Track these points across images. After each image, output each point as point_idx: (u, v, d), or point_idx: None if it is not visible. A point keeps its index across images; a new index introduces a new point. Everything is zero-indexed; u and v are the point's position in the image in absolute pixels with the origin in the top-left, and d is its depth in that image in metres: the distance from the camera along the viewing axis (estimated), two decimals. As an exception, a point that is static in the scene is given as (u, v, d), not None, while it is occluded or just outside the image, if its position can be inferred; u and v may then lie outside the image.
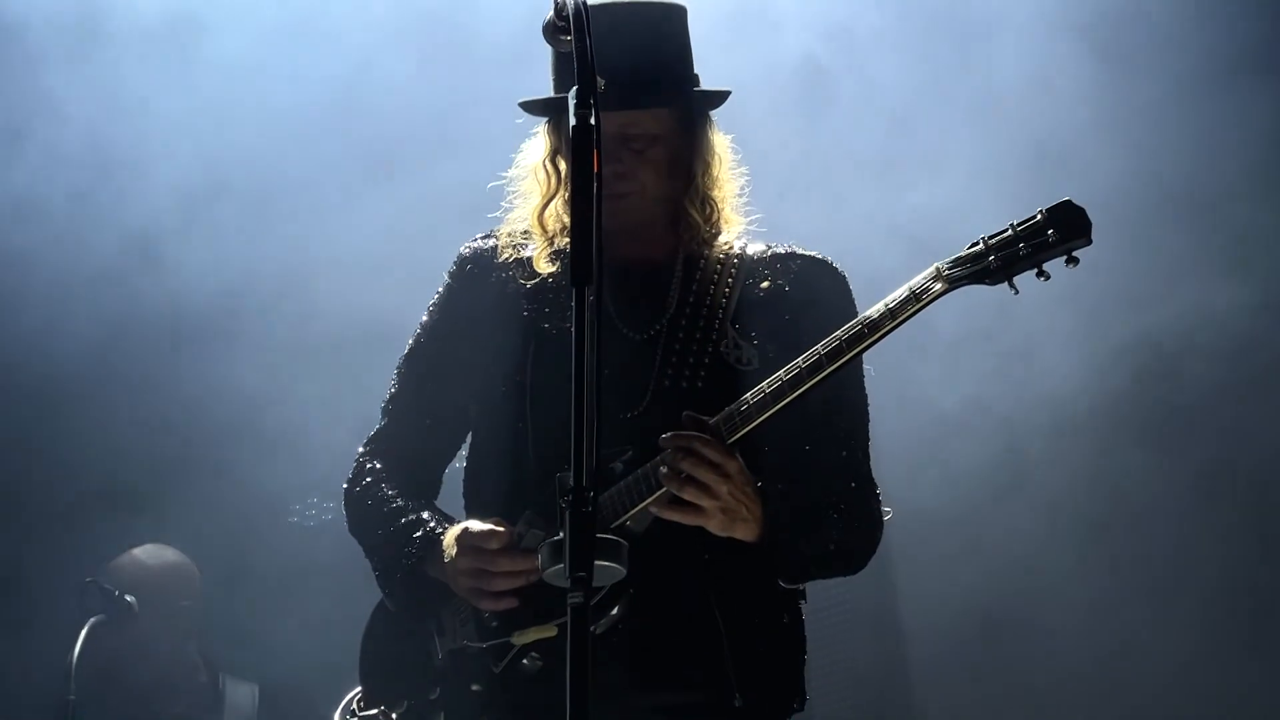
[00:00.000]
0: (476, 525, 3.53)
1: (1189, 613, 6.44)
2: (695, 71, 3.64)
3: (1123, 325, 6.56)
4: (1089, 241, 3.34)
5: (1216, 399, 6.46)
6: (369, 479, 3.76)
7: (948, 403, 6.62)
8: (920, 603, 6.74)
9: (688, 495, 3.37)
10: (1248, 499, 6.48)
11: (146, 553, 6.53)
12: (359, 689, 3.79)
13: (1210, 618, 6.41)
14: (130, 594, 6.32)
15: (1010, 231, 3.37)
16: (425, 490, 3.79)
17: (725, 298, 3.64)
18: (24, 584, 6.72)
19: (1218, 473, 6.50)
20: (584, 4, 2.70)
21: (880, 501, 3.63)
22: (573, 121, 2.59)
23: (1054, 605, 6.62)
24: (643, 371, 3.57)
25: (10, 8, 6.67)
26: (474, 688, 3.56)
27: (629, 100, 3.46)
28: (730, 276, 3.66)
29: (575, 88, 2.59)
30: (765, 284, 3.66)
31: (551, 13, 2.85)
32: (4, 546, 6.80)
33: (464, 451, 3.80)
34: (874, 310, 3.38)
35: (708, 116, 3.67)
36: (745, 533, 3.43)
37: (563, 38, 2.75)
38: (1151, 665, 6.44)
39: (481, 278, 3.75)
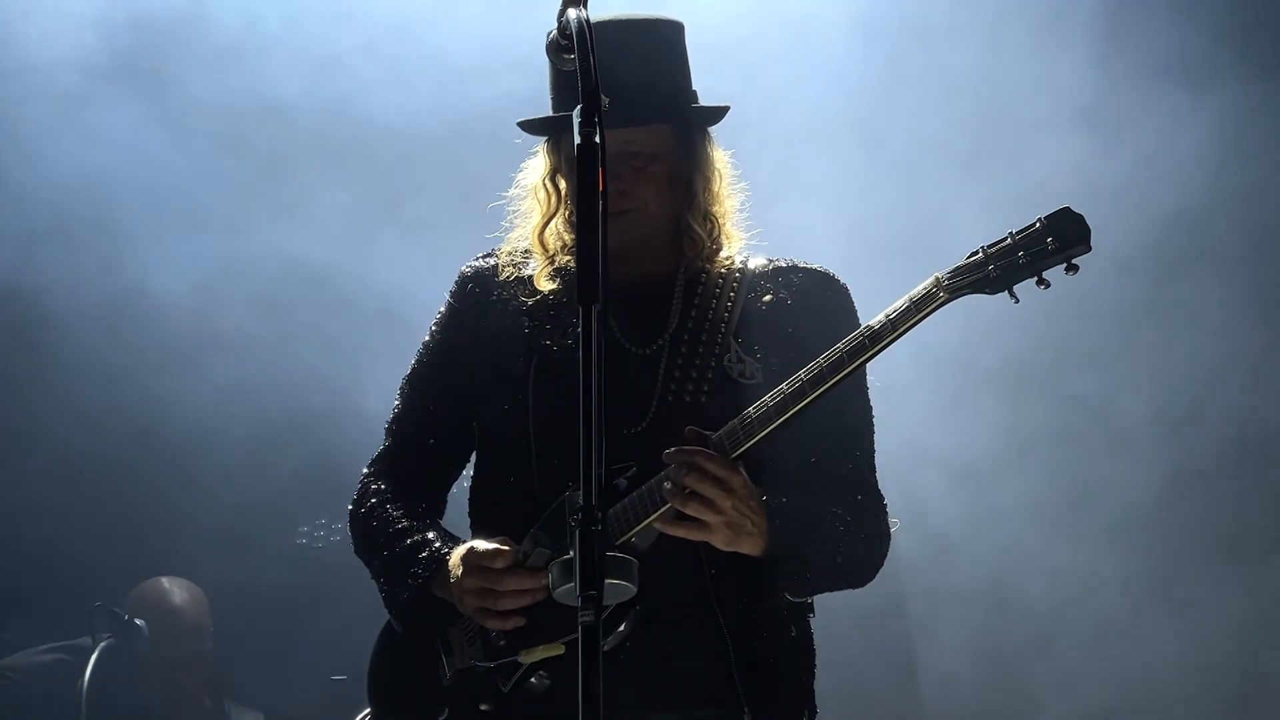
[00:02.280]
0: (482, 544, 3.53)
1: (1218, 637, 6.44)
2: (694, 87, 3.66)
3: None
4: (1089, 248, 3.34)
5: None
6: (374, 500, 3.75)
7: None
8: (929, 615, 6.74)
9: (692, 511, 3.36)
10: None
11: (161, 584, 6.53)
12: (367, 710, 3.80)
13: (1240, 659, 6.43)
14: (140, 618, 6.33)
15: (1009, 240, 3.37)
16: (431, 510, 3.78)
17: (727, 312, 3.64)
18: (33, 607, 6.71)
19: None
20: (587, 21, 2.71)
21: (887, 513, 3.63)
22: (577, 139, 2.59)
23: (1068, 620, 6.62)
24: (645, 387, 3.57)
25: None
26: (482, 707, 3.56)
27: (628, 117, 3.45)
28: (732, 291, 3.67)
29: (579, 106, 2.60)
30: (767, 298, 3.67)
31: (554, 31, 2.85)
32: (13, 570, 6.78)
33: (469, 470, 3.81)
34: (875, 321, 3.39)
35: (707, 132, 3.67)
36: (751, 547, 3.42)
37: (566, 56, 2.76)
38: (1173, 685, 6.44)
39: (483, 297, 3.75)
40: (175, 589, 6.53)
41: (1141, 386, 6.62)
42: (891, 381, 3.62)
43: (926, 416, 6.53)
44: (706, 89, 3.65)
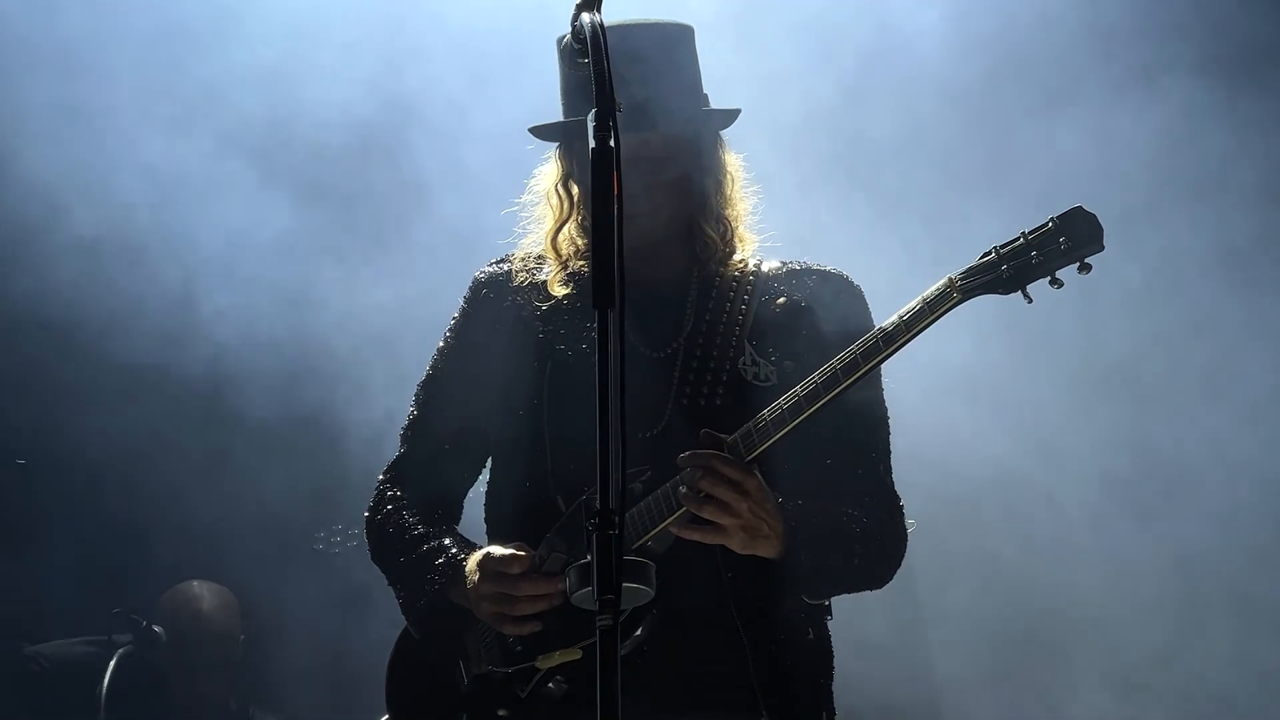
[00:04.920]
0: (498, 550, 3.54)
1: (1233, 625, 6.42)
2: (704, 91, 3.66)
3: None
4: (1101, 247, 3.34)
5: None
6: (390, 507, 3.76)
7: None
8: (947, 615, 6.73)
9: (707, 514, 3.37)
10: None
11: (191, 588, 6.53)
12: (386, 716, 3.80)
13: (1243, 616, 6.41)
14: (167, 622, 6.35)
15: (1022, 240, 3.37)
16: (446, 516, 3.78)
17: (741, 315, 3.64)
18: (52, 613, 6.72)
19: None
20: (600, 26, 2.71)
21: (903, 514, 3.63)
22: (592, 143, 2.59)
23: (1085, 617, 6.61)
24: (660, 391, 3.57)
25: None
26: (500, 713, 3.56)
27: (639, 122, 3.45)
28: (746, 294, 3.67)
29: (594, 110, 2.60)
30: (781, 300, 3.67)
31: (568, 35, 2.86)
32: (32, 575, 6.79)
33: (485, 475, 3.81)
34: (889, 323, 3.39)
35: (718, 136, 3.68)
36: (767, 550, 3.42)
37: (579, 60, 2.76)
38: (1193, 672, 6.43)
39: (497, 302, 3.76)
40: (205, 594, 6.51)
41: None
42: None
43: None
44: (717, 93, 3.67)
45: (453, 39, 6.48)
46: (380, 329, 6.61)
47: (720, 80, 3.68)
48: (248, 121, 6.64)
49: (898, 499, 3.64)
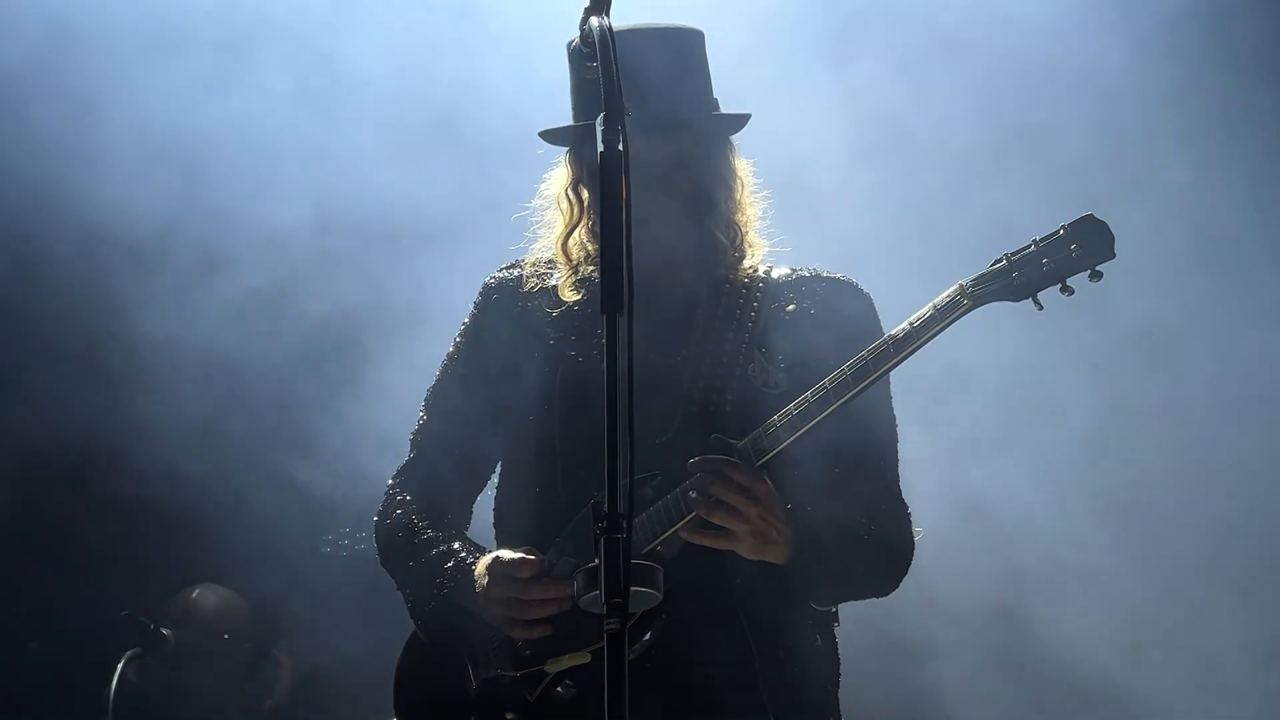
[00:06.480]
0: (508, 554, 3.54)
1: (1234, 620, 6.40)
2: (714, 96, 3.67)
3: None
4: (1112, 255, 3.34)
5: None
6: (399, 511, 3.77)
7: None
8: (954, 621, 6.73)
9: (717, 519, 3.37)
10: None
11: (194, 591, 6.53)
12: (394, 720, 3.81)
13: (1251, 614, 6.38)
14: (167, 628, 6.35)
15: (1033, 248, 3.38)
16: (456, 520, 3.79)
17: (751, 321, 3.65)
18: (61, 617, 6.73)
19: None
20: (609, 29, 2.72)
21: (911, 522, 3.63)
22: (600, 147, 2.60)
23: (1092, 622, 6.60)
24: (670, 396, 3.58)
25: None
26: (508, 716, 3.57)
27: (650, 126, 3.45)
28: (756, 300, 3.68)
29: (602, 114, 2.61)
30: (791, 307, 3.67)
31: (577, 39, 2.86)
32: (41, 579, 6.80)
33: (494, 480, 3.82)
34: (899, 329, 3.39)
35: (728, 141, 3.69)
36: (776, 555, 3.43)
37: (589, 64, 2.77)
38: (1193, 672, 6.41)
39: (507, 307, 3.77)
40: (208, 596, 6.51)
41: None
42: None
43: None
44: (729, 97, 3.67)
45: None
46: (389, 329, 6.61)
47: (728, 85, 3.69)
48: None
49: (905, 506, 3.64)
